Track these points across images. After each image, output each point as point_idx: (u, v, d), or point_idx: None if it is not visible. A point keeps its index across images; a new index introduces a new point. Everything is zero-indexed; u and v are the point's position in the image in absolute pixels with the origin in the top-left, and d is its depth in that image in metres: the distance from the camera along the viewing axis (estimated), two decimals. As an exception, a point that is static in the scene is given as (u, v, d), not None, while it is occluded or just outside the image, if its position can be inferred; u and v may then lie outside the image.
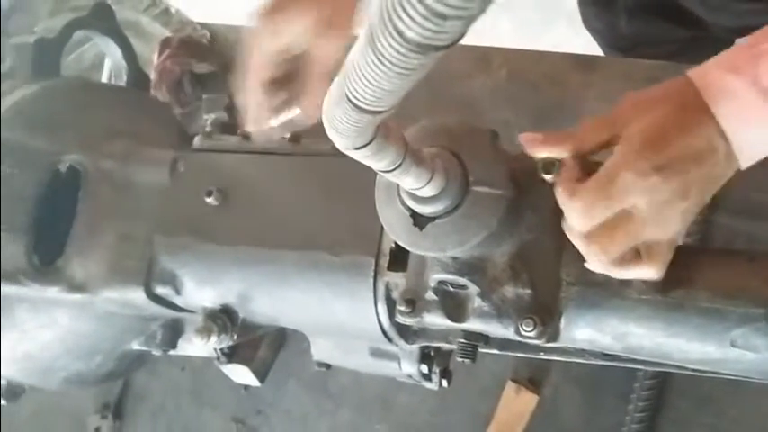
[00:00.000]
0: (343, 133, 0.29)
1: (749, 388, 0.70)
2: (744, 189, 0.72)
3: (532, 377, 0.78)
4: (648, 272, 0.45)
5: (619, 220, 0.42)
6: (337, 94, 0.27)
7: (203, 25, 1.18)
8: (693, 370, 0.53)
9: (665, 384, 0.73)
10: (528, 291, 0.50)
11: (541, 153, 0.46)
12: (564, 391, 0.78)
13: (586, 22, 0.97)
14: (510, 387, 0.78)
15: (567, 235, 0.46)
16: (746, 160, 0.42)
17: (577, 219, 0.43)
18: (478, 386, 0.81)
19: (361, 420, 0.89)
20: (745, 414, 0.71)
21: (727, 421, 0.72)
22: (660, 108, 0.42)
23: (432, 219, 0.46)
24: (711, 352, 0.49)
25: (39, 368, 0.76)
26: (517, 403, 0.77)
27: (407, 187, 0.42)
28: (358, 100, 0.26)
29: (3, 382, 0.77)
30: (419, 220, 0.46)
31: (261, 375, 0.91)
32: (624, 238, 0.43)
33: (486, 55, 0.93)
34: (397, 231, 0.47)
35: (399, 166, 0.37)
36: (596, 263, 0.45)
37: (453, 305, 0.53)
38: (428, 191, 0.43)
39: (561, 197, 0.44)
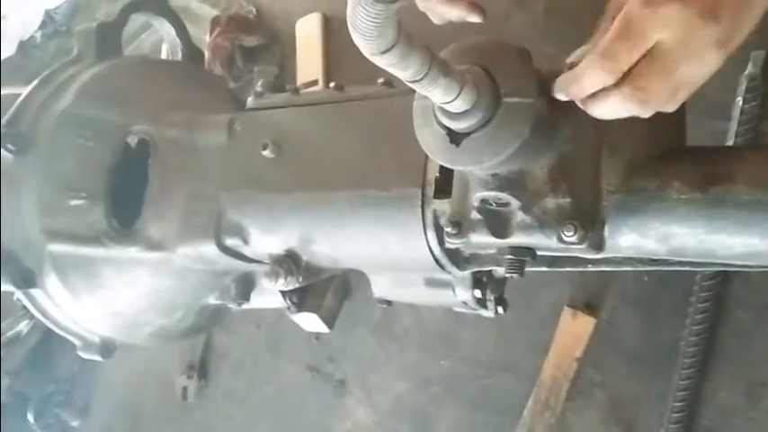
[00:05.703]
0: (365, 33, 0.32)
1: (811, 294, 0.70)
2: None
3: (588, 302, 0.79)
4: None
5: (650, 62, 0.39)
6: None
7: (248, 1, 1.23)
8: (742, 266, 0.54)
9: (722, 296, 0.73)
10: (568, 200, 0.52)
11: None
12: (620, 312, 0.78)
13: None
14: (567, 312, 0.79)
15: (607, 104, 0.43)
16: None
17: (602, 67, 0.40)
18: (537, 316, 0.83)
19: (426, 358, 0.93)
20: (809, 321, 0.70)
21: (789, 330, 0.71)
22: None
23: (467, 134, 0.48)
24: (755, 244, 0.49)
25: (126, 324, 0.83)
26: (575, 328, 0.78)
27: (438, 101, 0.44)
28: None
29: (96, 339, 0.84)
30: (455, 137, 0.48)
31: (329, 322, 0.95)
32: (660, 77, 0.40)
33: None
34: (435, 151, 0.50)
35: (426, 75, 0.39)
36: (642, 109, 0.41)
37: (497, 222, 0.55)
38: (460, 105, 0.45)
39: (586, 62, 0.41)
